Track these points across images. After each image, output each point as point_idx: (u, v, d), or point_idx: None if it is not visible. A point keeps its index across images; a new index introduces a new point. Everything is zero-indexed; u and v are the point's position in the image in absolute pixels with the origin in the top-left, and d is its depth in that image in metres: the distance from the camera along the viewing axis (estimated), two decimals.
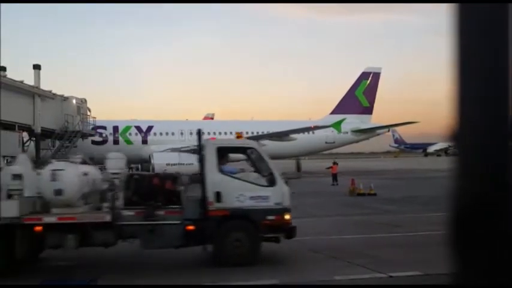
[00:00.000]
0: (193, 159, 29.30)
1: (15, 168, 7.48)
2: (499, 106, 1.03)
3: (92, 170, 8.12)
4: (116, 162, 8.49)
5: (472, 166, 1.04)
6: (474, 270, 1.00)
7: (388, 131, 43.83)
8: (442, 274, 6.63)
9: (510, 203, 1.02)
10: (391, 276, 6.69)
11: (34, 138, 22.89)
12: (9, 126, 20.05)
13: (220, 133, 33.13)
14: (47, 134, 23.55)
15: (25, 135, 22.58)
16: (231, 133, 33.26)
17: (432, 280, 6.13)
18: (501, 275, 1.00)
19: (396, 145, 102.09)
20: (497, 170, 1.02)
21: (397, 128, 71.58)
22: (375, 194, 18.70)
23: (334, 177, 25.33)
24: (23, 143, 21.50)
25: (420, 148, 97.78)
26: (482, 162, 1.03)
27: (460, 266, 1.02)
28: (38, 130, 22.13)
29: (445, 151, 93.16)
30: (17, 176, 7.16)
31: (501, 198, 1.01)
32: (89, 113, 26.77)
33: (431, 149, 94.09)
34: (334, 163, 26.33)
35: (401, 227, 11.10)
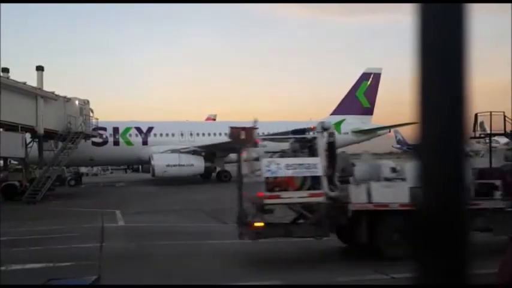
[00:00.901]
0: (193, 160, 29.50)
1: (391, 163, 8.91)
2: (456, 107, 1.05)
3: None
4: None
5: (430, 169, 1.08)
6: (433, 271, 1.06)
7: (389, 131, 43.82)
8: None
9: (466, 207, 1.08)
10: (393, 278, 6.70)
11: (37, 140, 22.97)
12: (12, 128, 20.13)
13: (220, 134, 33.18)
14: (49, 135, 23.62)
15: (28, 136, 22.66)
16: None
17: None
18: (458, 275, 1.05)
19: (399, 146, 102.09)
20: (455, 173, 1.06)
21: (400, 129, 71.33)
22: None
23: None
24: (26, 144, 21.57)
25: None
26: (440, 165, 1.06)
27: (420, 268, 1.08)
28: (41, 131, 22.20)
29: None
30: (393, 169, 8.36)
31: (457, 202, 1.06)
32: (91, 114, 26.86)
33: None
34: None
35: None
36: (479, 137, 20.99)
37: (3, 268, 7.52)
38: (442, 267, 1.04)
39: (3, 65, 21.09)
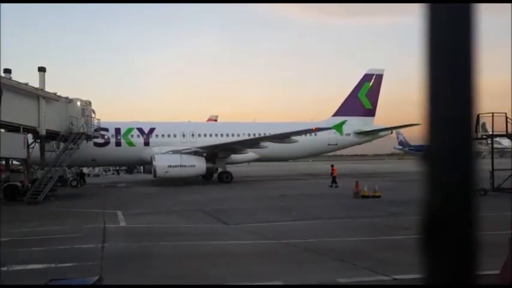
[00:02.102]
0: (194, 161, 29.55)
1: None
2: (464, 106, 1.05)
3: None
4: None
5: (439, 171, 1.08)
6: (442, 272, 1.07)
7: (391, 133, 43.75)
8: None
9: (474, 209, 1.07)
10: (395, 279, 6.68)
11: (39, 140, 23.02)
12: (14, 128, 20.18)
13: (222, 135, 33.23)
14: (51, 136, 23.67)
15: (30, 137, 22.71)
16: (232, 135, 33.35)
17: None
18: (466, 276, 1.06)
19: (400, 147, 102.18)
20: (463, 175, 1.06)
21: (402, 130, 71.47)
22: (379, 196, 18.65)
23: (334, 179, 25.55)
24: (28, 145, 21.61)
25: None
26: (448, 166, 1.07)
27: (429, 269, 1.09)
28: (43, 132, 22.25)
29: None
30: None
31: (466, 204, 1.06)
32: (93, 115, 26.92)
33: None
34: (332, 166, 26.51)
35: (407, 229, 11.06)
36: (481, 138, 20.92)
37: (4, 269, 7.53)
38: (451, 268, 1.04)
39: (6, 66, 21.17)
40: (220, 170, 31.39)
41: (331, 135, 35.88)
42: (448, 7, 1.04)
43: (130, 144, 30.99)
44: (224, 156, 31.16)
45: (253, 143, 31.26)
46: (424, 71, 1.07)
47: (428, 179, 1.08)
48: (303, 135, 32.38)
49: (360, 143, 39.24)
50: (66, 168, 28.61)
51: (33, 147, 23.09)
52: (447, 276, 1.05)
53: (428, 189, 1.08)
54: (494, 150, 21.82)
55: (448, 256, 1.04)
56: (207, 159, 29.24)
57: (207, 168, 29.22)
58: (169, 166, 27.59)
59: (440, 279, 1.05)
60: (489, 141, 21.34)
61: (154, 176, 28.02)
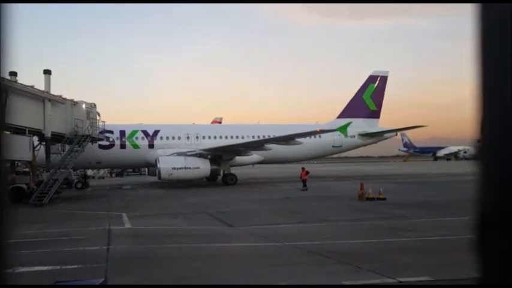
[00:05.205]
0: (199, 163, 29.60)
1: None
2: None
3: None
4: None
5: (493, 171, 1.07)
6: (496, 272, 1.05)
7: (396, 135, 43.57)
8: (452, 279, 6.58)
9: None
10: (400, 282, 6.63)
11: (44, 143, 23.16)
12: (19, 131, 20.32)
13: (226, 137, 33.27)
14: (57, 138, 23.81)
15: (35, 139, 22.85)
16: (237, 137, 33.38)
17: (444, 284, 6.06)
18: None
19: (405, 149, 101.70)
20: None
21: (407, 132, 71.28)
22: (384, 199, 18.55)
23: (304, 182, 25.44)
24: (34, 147, 21.76)
25: (429, 152, 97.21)
26: (504, 168, 1.05)
27: (482, 269, 1.08)
28: (48, 134, 22.40)
29: (454, 155, 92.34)
30: None
31: None
32: (98, 118, 27.06)
33: (440, 153, 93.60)
34: (303, 169, 26.45)
35: (412, 232, 11.00)
36: None
37: (10, 270, 7.55)
38: (505, 268, 1.03)
39: (11, 69, 21.33)
40: (224, 172, 31.41)
41: (335, 137, 35.82)
42: (500, 7, 1.03)
43: (135, 146, 31.12)
44: (228, 158, 31.18)
45: (258, 145, 31.25)
46: (478, 71, 1.06)
47: (481, 179, 1.07)
48: (308, 137, 32.32)
49: (364, 145, 39.11)
50: (72, 171, 28.76)
51: (38, 150, 23.23)
52: (501, 276, 1.03)
53: (481, 189, 1.06)
54: None
55: (502, 256, 1.03)
56: (212, 161, 29.27)
57: (212, 170, 29.25)
58: (174, 168, 27.67)
59: (494, 280, 1.04)
60: None
61: (159, 178, 28.10)
